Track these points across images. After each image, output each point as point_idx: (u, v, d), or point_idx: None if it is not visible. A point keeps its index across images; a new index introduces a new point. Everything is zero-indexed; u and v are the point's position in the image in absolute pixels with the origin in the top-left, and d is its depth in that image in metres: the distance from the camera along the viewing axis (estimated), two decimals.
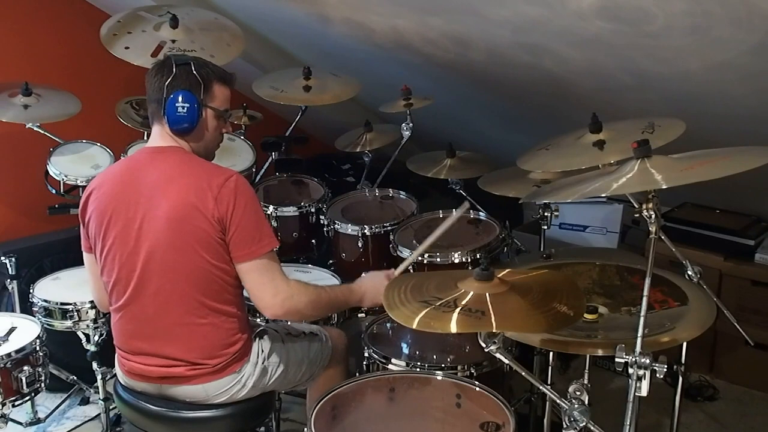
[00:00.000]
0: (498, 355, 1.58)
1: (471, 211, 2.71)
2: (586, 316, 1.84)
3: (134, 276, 1.87)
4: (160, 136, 1.94)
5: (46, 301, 2.51)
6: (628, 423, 1.56)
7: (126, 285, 1.89)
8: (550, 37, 2.27)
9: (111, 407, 2.64)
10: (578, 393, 1.58)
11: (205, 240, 1.82)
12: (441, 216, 2.71)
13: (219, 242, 1.83)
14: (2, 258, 2.80)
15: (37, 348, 2.40)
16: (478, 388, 1.86)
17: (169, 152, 1.91)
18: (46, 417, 2.88)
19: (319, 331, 2.19)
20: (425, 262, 2.40)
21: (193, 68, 1.89)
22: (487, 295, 1.60)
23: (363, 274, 2.16)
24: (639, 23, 1.96)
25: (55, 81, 3.04)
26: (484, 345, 1.57)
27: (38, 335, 2.42)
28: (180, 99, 1.86)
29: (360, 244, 2.64)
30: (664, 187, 1.52)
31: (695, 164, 1.61)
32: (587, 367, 1.94)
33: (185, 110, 1.87)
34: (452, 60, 2.75)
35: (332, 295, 2.02)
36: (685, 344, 1.98)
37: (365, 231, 2.64)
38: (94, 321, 2.51)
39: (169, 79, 1.87)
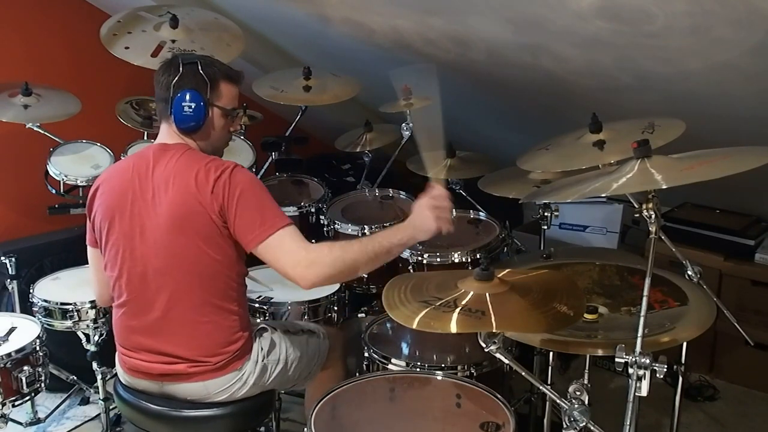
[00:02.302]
0: (498, 355, 1.58)
1: (471, 211, 2.72)
2: (586, 316, 1.84)
3: (137, 272, 1.88)
4: (167, 134, 1.95)
5: (46, 301, 2.51)
6: (628, 423, 1.56)
7: (129, 280, 1.90)
8: (550, 37, 2.27)
9: (111, 407, 2.64)
10: (578, 393, 1.58)
11: (207, 235, 1.82)
12: None
13: (222, 236, 1.83)
14: (2, 258, 2.80)
15: (37, 348, 2.40)
16: (478, 388, 1.86)
17: (175, 149, 1.91)
18: (46, 417, 2.88)
19: (317, 329, 2.19)
20: (425, 262, 2.40)
21: (199, 67, 1.89)
22: (487, 295, 1.60)
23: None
24: (639, 23, 1.96)
25: (55, 81, 3.04)
26: (484, 345, 1.57)
27: (38, 335, 2.41)
28: (186, 98, 1.87)
29: None
30: (664, 187, 1.52)
31: (695, 164, 1.61)
32: (587, 367, 1.94)
33: (191, 109, 1.88)
34: (452, 60, 2.75)
35: (366, 241, 1.84)
36: (685, 344, 1.99)
37: (365, 231, 2.63)
38: (94, 321, 2.51)
39: (175, 78, 1.88)
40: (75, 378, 2.89)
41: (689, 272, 1.92)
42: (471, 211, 2.71)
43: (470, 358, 2.13)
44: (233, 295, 1.91)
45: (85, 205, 2.02)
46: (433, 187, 1.88)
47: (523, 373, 1.62)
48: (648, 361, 1.52)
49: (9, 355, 2.31)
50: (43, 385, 2.44)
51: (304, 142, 3.29)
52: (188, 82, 1.88)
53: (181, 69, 1.88)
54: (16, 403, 2.38)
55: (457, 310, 1.55)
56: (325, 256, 1.80)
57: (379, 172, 3.11)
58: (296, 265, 1.79)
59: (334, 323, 2.48)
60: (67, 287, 2.62)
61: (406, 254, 2.43)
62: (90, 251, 2.05)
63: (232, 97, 1.97)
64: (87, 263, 2.10)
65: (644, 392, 1.54)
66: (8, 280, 2.84)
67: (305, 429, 1.72)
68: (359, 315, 2.61)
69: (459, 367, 2.09)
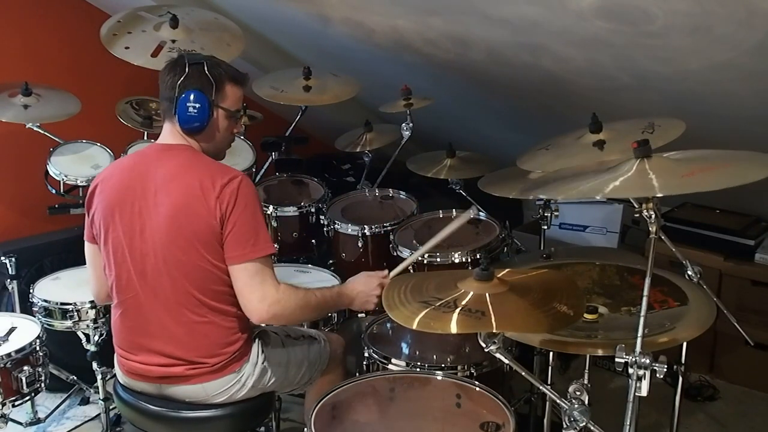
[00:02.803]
0: (498, 355, 1.58)
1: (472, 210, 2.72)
2: (586, 316, 1.84)
3: (136, 271, 1.87)
4: (170, 133, 1.94)
5: (46, 301, 2.51)
6: (628, 423, 1.56)
7: (128, 281, 1.89)
8: (550, 37, 2.27)
9: (111, 407, 2.64)
10: (578, 393, 1.58)
11: (206, 239, 1.82)
12: (441, 216, 2.71)
13: (219, 242, 1.83)
14: (2, 258, 2.80)
15: (37, 348, 2.40)
16: (478, 388, 1.86)
17: (178, 150, 1.91)
18: (46, 417, 2.87)
19: (317, 335, 2.19)
20: (425, 262, 2.40)
21: (205, 68, 1.89)
22: (487, 295, 1.60)
23: (354, 277, 2.08)
24: (639, 23, 1.96)
25: (55, 81, 3.04)
26: (484, 345, 1.57)
27: (38, 335, 2.42)
28: (191, 98, 1.86)
29: (360, 244, 2.64)
30: (659, 195, 1.51)
31: (695, 169, 1.60)
32: (587, 367, 1.94)
33: (196, 110, 1.87)
34: (452, 60, 2.75)
35: (321, 298, 1.97)
36: (685, 344, 1.98)
37: (365, 231, 2.64)
38: (94, 321, 2.51)
39: (181, 78, 1.87)
40: (75, 378, 2.89)
41: (689, 272, 1.92)
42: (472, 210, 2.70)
43: (470, 358, 2.13)
44: (231, 297, 1.89)
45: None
46: (385, 277, 2.05)
47: (523, 373, 1.62)
48: (648, 361, 1.52)
49: (9, 355, 2.31)
50: (43, 385, 2.44)
51: (304, 142, 3.29)
52: (194, 83, 1.87)
53: (187, 69, 1.88)
54: (16, 403, 2.38)
55: (457, 310, 1.55)
56: (290, 297, 1.87)
57: (379, 172, 3.12)
58: (263, 299, 1.83)
59: (333, 323, 2.48)
60: (67, 287, 2.62)
61: (405, 254, 2.43)
62: (87, 247, 2.04)
63: (237, 99, 1.97)
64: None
65: (644, 392, 1.54)
66: (8, 280, 2.84)
67: (305, 429, 1.72)
68: (359, 315, 2.61)
69: (459, 367, 2.09)
